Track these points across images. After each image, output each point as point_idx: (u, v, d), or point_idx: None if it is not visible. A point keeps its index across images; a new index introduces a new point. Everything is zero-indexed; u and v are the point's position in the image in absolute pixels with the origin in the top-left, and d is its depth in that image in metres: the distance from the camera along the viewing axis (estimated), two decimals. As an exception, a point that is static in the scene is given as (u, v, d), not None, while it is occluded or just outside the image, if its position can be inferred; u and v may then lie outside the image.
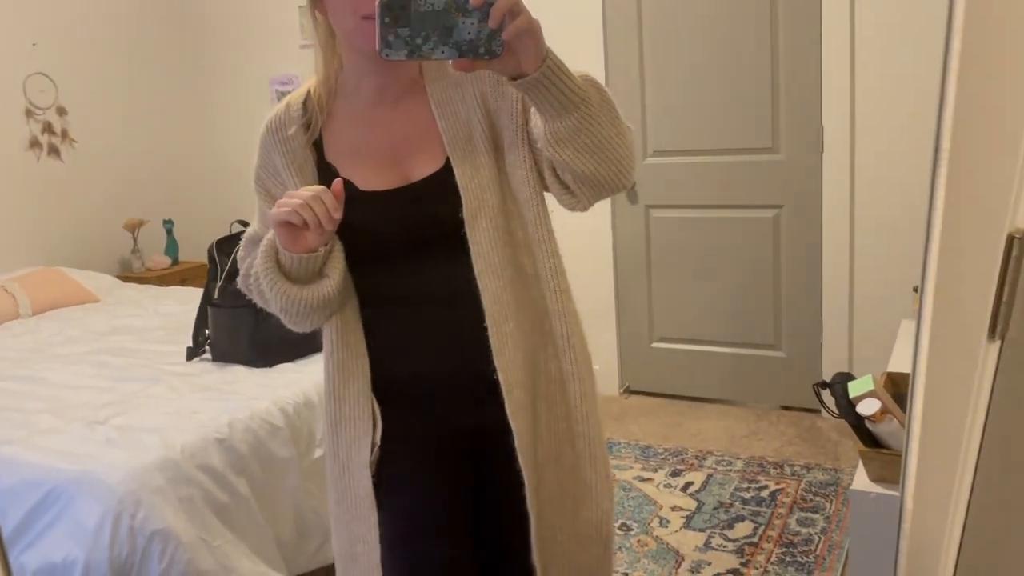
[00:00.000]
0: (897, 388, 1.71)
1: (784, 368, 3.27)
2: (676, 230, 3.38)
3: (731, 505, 2.58)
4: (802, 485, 2.67)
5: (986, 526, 0.89)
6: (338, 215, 1.06)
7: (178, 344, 2.58)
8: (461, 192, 1.12)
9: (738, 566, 2.26)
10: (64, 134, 3.87)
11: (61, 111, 3.85)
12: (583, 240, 3.45)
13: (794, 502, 2.57)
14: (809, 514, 2.50)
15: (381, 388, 1.21)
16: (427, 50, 0.91)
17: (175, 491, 1.77)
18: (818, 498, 2.58)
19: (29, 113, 3.73)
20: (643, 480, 2.77)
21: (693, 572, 2.24)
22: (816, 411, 3.17)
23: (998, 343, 0.78)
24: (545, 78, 0.95)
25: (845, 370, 2.43)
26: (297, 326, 1.19)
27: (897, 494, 0.92)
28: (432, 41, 0.90)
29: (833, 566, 2.23)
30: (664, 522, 2.50)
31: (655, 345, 3.53)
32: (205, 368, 2.40)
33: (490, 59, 0.93)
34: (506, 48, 0.92)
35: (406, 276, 1.17)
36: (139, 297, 3.42)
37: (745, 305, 3.31)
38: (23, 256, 3.69)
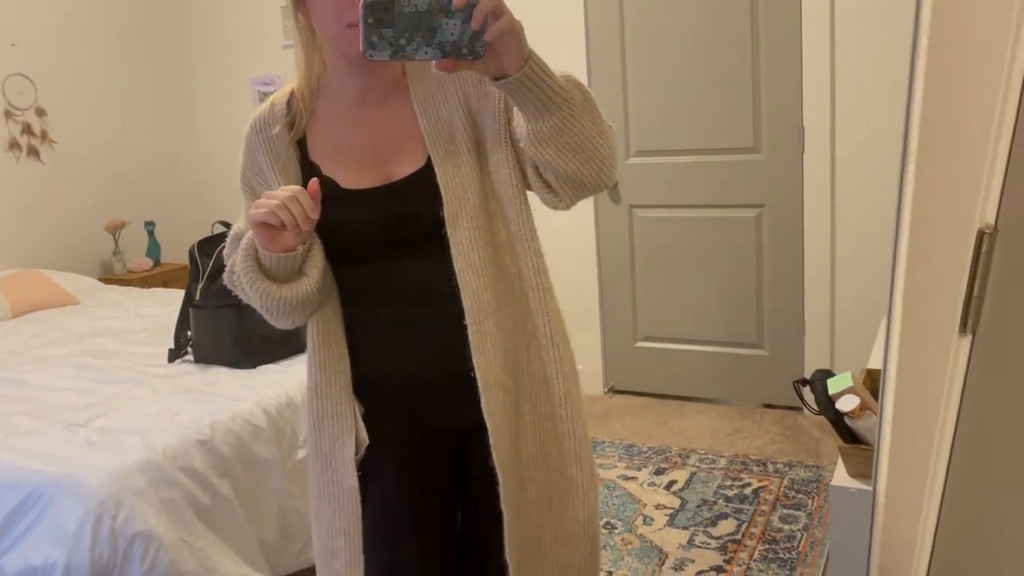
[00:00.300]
0: (876, 385, 1.73)
1: (767, 366, 3.30)
2: (659, 230, 3.40)
3: (714, 503, 2.59)
4: (784, 482, 2.69)
5: (961, 518, 0.90)
6: (315, 215, 1.06)
7: (159, 346, 2.56)
8: (442, 191, 1.12)
9: (721, 563, 2.27)
10: (44, 135, 3.83)
11: (40, 112, 3.82)
12: (567, 240, 3.46)
13: (777, 499, 2.59)
14: (791, 511, 2.52)
15: (364, 386, 1.21)
16: (411, 51, 0.92)
17: (157, 493, 1.76)
18: (800, 495, 2.61)
19: (8, 114, 3.69)
20: (627, 479, 2.78)
21: (677, 570, 2.25)
22: (798, 409, 3.19)
23: (970, 337, 0.80)
24: (527, 78, 0.96)
25: (827, 368, 2.45)
26: (279, 323, 1.20)
27: (874, 488, 0.93)
28: (416, 42, 0.91)
29: (815, 562, 2.25)
30: (648, 520, 2.51)
31: (639, 345, 3.54)
32: (187, 370, 2.39)
33: (473, 60, 0.93)
34: (489, 49, 0.93)
35: (387, 274, 1.17)
36: (120, 299, 3.39)
37: (728, 304, 3.34)
38: (2, 258, 3.65)
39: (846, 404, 1.50)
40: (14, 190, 3.72)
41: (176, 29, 4.34)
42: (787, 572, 2.22)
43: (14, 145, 3.71)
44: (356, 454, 1.20)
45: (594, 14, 3.31)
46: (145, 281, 3.98)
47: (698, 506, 2.58)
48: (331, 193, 1.13)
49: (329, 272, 1.19)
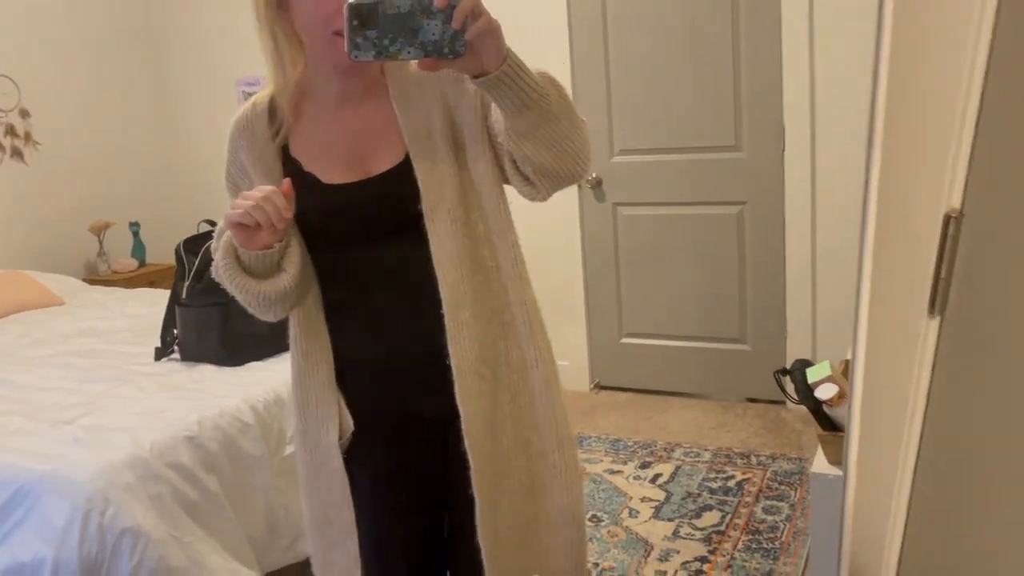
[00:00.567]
0: (855, 375, 1.76)
1: (749, 361, 3.34)
2: (643, 227, 3.44)
3: (699, 495, 2.63)
4: (768, 474, 2.73)
5: (932, 499, 0.93)
6: (288, 214, 1.10)
7: (145, 345, 2.56)
8: (420, 185, 1.15)
9: (706, 553, 2.30)
10: (27, 137, 3.82)
11: (24, 113, 3.80)
12: (552, 239, 3.49)
13: (760, 491, 2.63)
14: (774, 502, 2.55)
15: (346, 373, 1.25)
16: (394, 51, 0.94)
17: (144, 489, 1.76)
18: (783, 486, 2.64)
19: (-10, 115, 3.67)
20: (613, 473, 2.81)
21: (662, 560, 2.28)
22: (781, 403, 3.23)
23: (938, 319, 0.83)
24: (506, 76, 0.99)
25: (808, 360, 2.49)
26: (262, 316, 1.23)
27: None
28: (399, 42, 0.94)
29: (798, 551, 2.29)
30: (634, 513, 2.54)
31: (624, 341, 3.57)
32: (173, 368, 2.39)
33: (454, 58, 0.96)
34: (469, 48, 0.95)
35: (367, 266, 1.21)
36: (105, 300, 3.38)
37: (711, 300, 3.37)
38: (-15, 259, 3.63)
39: (824, 392, 1.53)
40: (-3, 191, 3.70)
41: (160, 30, 4.33)
42: (770, 562, 2.25)
43: (-4, 146, 3.69)
44: (341, 439, 1.23)
45: (577, 17, 3.34)
46: (130, 282, 3.96)
47: (683, 498, 2.61)
48: (312, 188, 1.17)
49: (308, 264, 1.22)
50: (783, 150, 3.09)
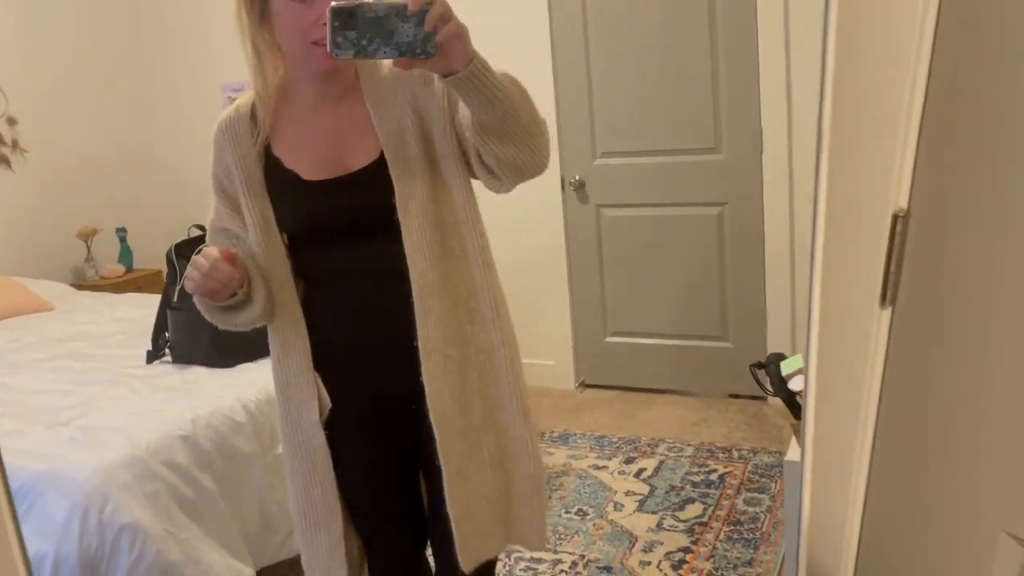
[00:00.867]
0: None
1: (731, 358, 3.41)
2: (626, 228, 3.51)
3: (682, 488, 2.70)
4: (749, 468, 2.81)
5: (890, 487, 1.00)
6: (237, 275, 1.22)
7: (137, 348, 2.60)
8: (394, 180, 1.25)
9: (688, 544, 2.37)
10: (15, 144, 3.84)
11: (11, 121, 3.82)
12: (537, 241, 3.55)
13: (741, 484, 2.70)
14: (755, 494, 2.63)
15: (324, 355, 1.35)
16: (371, 50, 1.03)
17: (141, 486, 1.81)
18: (764, 479, 2.72)
19: (-23, 122, 3.69)
20: (598, 468, 2.88)
21: (646, 551, 2.35)
22: (762, 398, 3.31)
23: (889, 310, 0.90)
24: (472, 75, 1.08)
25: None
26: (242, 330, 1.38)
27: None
28: (376, 43, 1.02)
29: (778, 541, 2.36)
30: (618, 506, 2.61)
31: (608, 340, 3.64)
32: (165, 370, 2.43)
33: (425, 58, 1.05)
34: (439, 49, 1.04)
35: (344, 256, 1.31)
36: (94, 304, 3.41)
37: (693, 299, 3.45)
38: (-27, 266, 3.65)
39: (798, 384, 1.60)
40: (-16, 197, 3.72)
41: (146, 37, 4.36)
42: (751, 551, 2.32)
43: (-16, 153, 3.71)
44: (321, 416, 1.34)
45: (558, 24, 3.41)
46: (118, 287, 3.99)
47: (666, 492, 2.68)
48: (293, 184, 1.28)
49: (288, 283, 1.33)
50: (761, 152, 3.17)
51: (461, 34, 1.05)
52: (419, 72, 1.25)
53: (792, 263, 3.19)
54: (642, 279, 3.52)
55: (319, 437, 1.34)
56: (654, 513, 2.55)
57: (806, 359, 0.90)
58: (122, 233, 4.20)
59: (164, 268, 4.25)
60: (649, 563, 2.29)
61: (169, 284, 2.52)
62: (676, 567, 2.27)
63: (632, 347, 3.60)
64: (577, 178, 3.51)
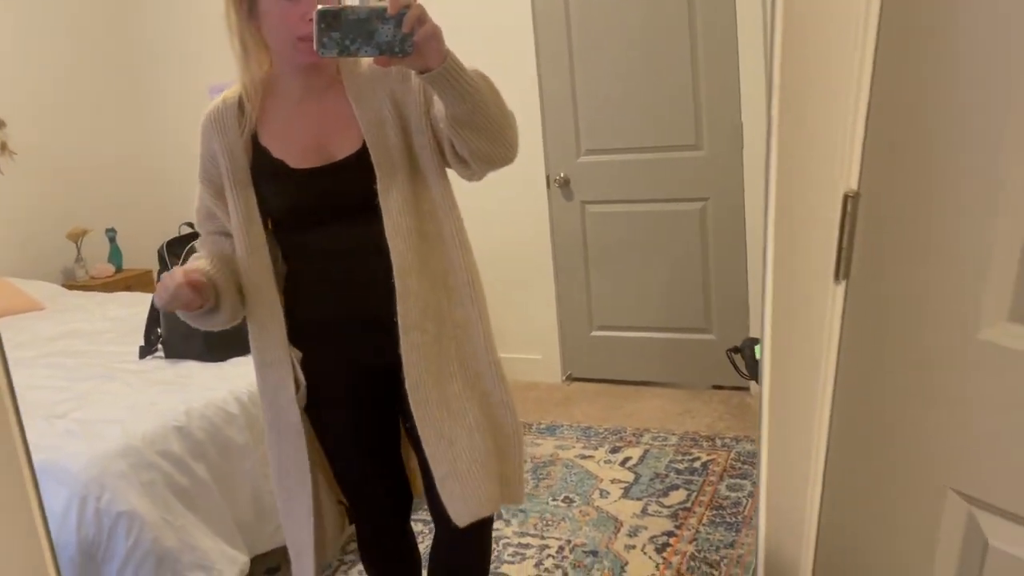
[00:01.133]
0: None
1: (714, 350, 3.48)
2: (610, 224, 3.57)
3: (666, 476, 2.76)
4: (731, 455, 2.88)
5: (847, 458, 1.06)
6: (199, 299, 1.34)
7: (129, 345, 2.64)
8: (376, 169, 1.34)
9: (672, 528, 2.44)
10: (3, 147, 3.86)
11: (0, 124, 3.84)
12: (523, 237, 3.61)
13: (724, 470, 2.77)
14: (737, 480, 2.70)
15: (307, 331, 1.44)
16: (354, 49, 1.12)
17: (137, 476, 1.85)
18: (746, 466, 2.79)
19: (-34, 124, 3.71)
20: (584, 458, 2.94)
21: (631, 536, 2.41)
22: (745, 389, 3.38)
23: (843, 283, 0.96)
24: (446, 71, 1.17)
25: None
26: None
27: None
28: (358, 42, 1.12)
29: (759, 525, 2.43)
30: (604, 493, 2.67)
31: (595, 334, 3.71)
32: (158, 365, 2.47)
33: (403, 57, 1.14)
34: (416, 48, 1.13)
35: (328, 239, 1.39)
36: (85, 303, 3.44)
37: (676, 292, 3.52)
38: (-36, 267, 3.68)
39: (771, 367, 1.67)
40: (-26, 199, 3.74)
41: (134, 40, 4.39)
42: (732, 534, 2.39)
43: (-27, 155, 3.74)
44: (297, 391, 1.43)
45: (542, 26, 3.47)
46: (108, 287, 4.02)
47: (651, 479, 2.75)
48: (281, 171, 1.37)
49: (265, 267, 1.41)
50: (742, 148, 3.24)
51: (435, 34, 1.14)
52: (397, 69, 1.34)
53: (772, 256, 3.26)
54: (627, 274, 3.59)
55: (293, 415, 1.43)
56: (639, 500, 2.62)
57: (762, 335, 0.96)
58: (111, 233, 4.23)
59: (153, 268, 4.29)
60: (634, 547, 2.36)
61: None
62: (660, 550, 2.33)
63: (617, 340, 3.67)
64: (562, 175, 3.57)
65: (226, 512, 2.03)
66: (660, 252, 3.51)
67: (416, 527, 2.52)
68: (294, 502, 1.49)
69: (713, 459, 2.86)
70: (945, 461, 0.93)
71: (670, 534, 2.41)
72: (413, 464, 1.61)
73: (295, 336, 1.45)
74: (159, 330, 2.56)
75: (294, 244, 1.44)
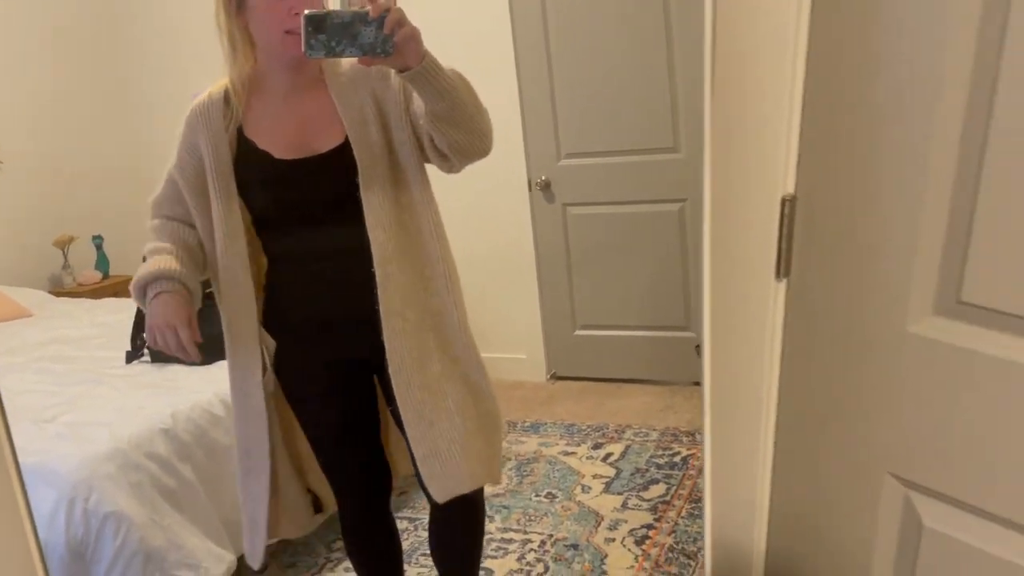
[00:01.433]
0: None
1: (694, 347, 3.55)
2: (591, 226, 3.64)
3: (647, 470, 2.82)
4: (710, 450, 2.93)
5: (793, 451, 1.12)
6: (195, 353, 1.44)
7: (116, 350, 2.69)
8: (357, 162, 1.41)
9: (652, 521, 2.50)
10: (-11, 153, 3.89)
11: (-15, 130, 3.87)
12: (506, 239, 3.67)
13: (703, 464, 2.83)
14: (715, 474, 2.75)
15: (290, 320, 1.52)
16: (339, 50, 1.21)
17: (125, 477, 1.90)
18: (724, 460, 2.85)
19: (-48, 133, 3.74)
20: (567, 454, 3.00)
21: (611, 529, 2.47)
22: (724, 385, 3.44)
23: (784, 281, 1.02)
24: (425, 71, 1.26)
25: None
26: None
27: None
28: (343, 44, 1.20)
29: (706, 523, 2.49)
30: (586, 488, 2.73)
31: (578, 333, 3.77)
32: (145, 369, 2.52)
33: (385, 57, 1.23)
34: (396, 49, 1.22)
35: (310, 231, 1.46)
36: (73, 310, 3.48)
37: (657, 291, 3.59)
38: (-49, 275, 3.70)
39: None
40: (-39, 208, 3.77)
41: (120, 46, 4.43)
42: (709, 526, 2.45)
43: (-41, 164, 3.76)
44: (263, 376, 1.51)
45: (521, 32, 3.53)
46: (95, 293, 4.06)
47: (632, 474, 2.80)
48: (266, 161, 1.43)
49: (241, 257, 1.47)
50: (717, 148, 3.30)
51: (414, 36, 1.22)
52: (378, 69, 1.42)
53: (749, 254, 3.33)
54: (608, 274, 3.65)
55: (258, 400, 1.51)
56: (619, 494, 2.68)
57: (704, 331, 1.02)
58: (98, 240, 4.27)
59: (141, 274, 4.30)
60: (614, 540, 2.42)
61: (147, 287, 2.60)
62: (639, 542, 2.39)
63: (600, 339, 3.73)
64: (543, 178, 3.63)
65: (212, 512, 2.07)
66: (640, 252, 3.57)
67: (401, 524, 2.57)
68: (252, 479, 1.57)
69: (693, 454, 2.92)
70: (882, 447, 0.99)
71: (649, 527, 2.47)
72: (392, 447, 1.69)
73: (277, 334, 1.52)
74: (144, 335, 2.60)
75: (274, 239, 1.50)
